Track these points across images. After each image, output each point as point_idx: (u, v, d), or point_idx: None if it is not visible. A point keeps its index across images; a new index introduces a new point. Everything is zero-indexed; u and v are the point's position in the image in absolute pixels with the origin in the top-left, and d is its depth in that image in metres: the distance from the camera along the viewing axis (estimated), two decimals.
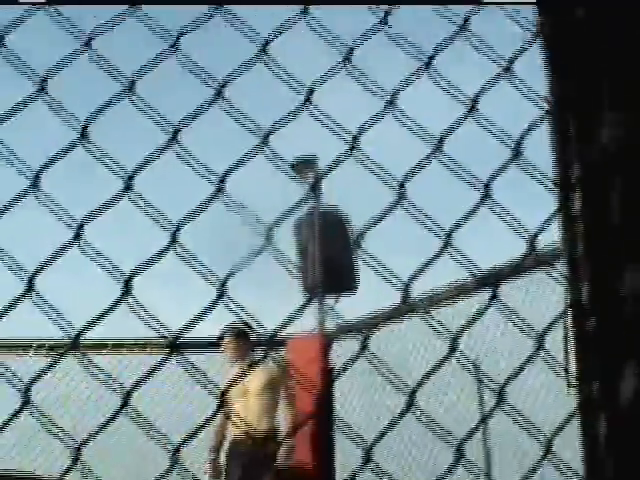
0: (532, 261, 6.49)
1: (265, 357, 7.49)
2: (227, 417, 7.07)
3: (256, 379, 7.08)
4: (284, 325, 1.59)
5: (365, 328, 7.61)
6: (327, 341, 8.33)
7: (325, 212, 9.12)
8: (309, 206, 9.14)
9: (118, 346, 8.93)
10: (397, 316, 7.74)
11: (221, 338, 7.24)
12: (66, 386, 9.10)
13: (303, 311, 1.61)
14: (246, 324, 7.12)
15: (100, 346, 8.67)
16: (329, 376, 7.57)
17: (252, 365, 7.14)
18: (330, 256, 8.53)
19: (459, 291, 7.36)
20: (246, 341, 7.14)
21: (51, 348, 8.62)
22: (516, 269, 6.61)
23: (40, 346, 8.63)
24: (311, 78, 1.81)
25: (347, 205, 8.76)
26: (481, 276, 1.67)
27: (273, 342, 7.57)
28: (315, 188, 9.09)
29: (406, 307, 7.51)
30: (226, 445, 7.21)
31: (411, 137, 1.87)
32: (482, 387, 8.04)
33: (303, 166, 8.61)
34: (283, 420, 7.10)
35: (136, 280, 1.57)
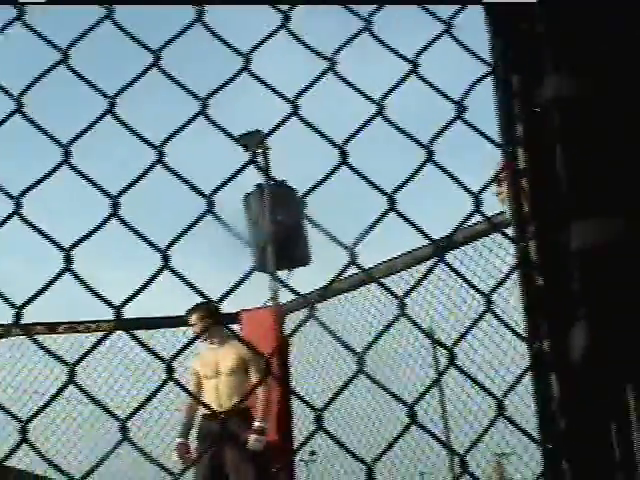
0: (484, 226, 6.52)
1: (232, 335, 7.43)
2: (195, 397, 7.07)
3: (227, 357, 7.06)
4: (227, 294, 1.57)
5: (318, 301, 7.62)
6: (281, 314, 8.34)
7: (274, 185, 9.13)
8: (258, 180, 9.15)
9: (71, 328, 8.85)
10: (350, 287, 7.75)
11: (189, 316, 7.20)
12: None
13: (246, 280, 1.59)
14: (213, 302, 7.07)
15: (52, 328, 8.59)
16: (284, 348, 7.59)
17: (220, 342, 7.12)
18: (281, 229, 8.54)
19: (412, 260, 7.38)
20: (214, 319, 7.10)
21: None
22: (467, 233, 6.63)
23: None
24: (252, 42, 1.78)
25: (296, 178, 8.76)
26: (432, 242, 1.66)
27: (227, 315, 7.58)
28: (263, 161, 9.09)
29: (359, 277, 7.53)
30: (196, 426, 7.20)
31: (352, 101, 1.86)
32: (437, 355, 8.12)
33: (250, 139, 8.59)
34: (255, 397, 7.06)
35: (80, 255, 1.54)
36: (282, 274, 8.83)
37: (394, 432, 7.78)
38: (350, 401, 7.86)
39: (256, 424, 6.85)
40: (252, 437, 6.86)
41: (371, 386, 7.86)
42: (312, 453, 9.89)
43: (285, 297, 8.62)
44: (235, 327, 8.36)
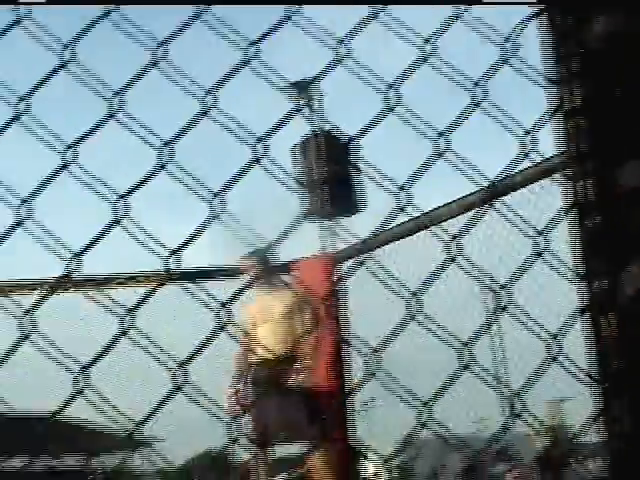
0: (532, 171, 6.44)
1: (285, 283, 7.44)
2: (248, 349, 7.12)
3: (279, 304, 7.10)
4: (278, 240, 1.57)
5: (371, 249, 7.59)
6: (334, 262, 8.33)
7: (324, 134, 9.08)
8: (309, 129, 9.11)
9: (127, 281, 8.91)
10: (402, 234, 7.71)
11: (242, 263, 7.22)
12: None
13: (297, 228, 1.59)
14: (266, 250, 7.12)
15: (107, 281, 8.66)
16: (337, 296, 7.58)
17: (273, 290, 7.15)
18: (332, 177, 8.50)
19: (459, 208, 7.30)
20: (267, 267, 7.13)
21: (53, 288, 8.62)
22: (518, 178, 6.55)
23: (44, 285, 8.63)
24: None
25: (348, 127, 8.69)
26: (481, 188, 1.64)
27: (280, 263, 7.59)
28: (312, 109, 9.04)
29: (411, 225, 7.49)
30: (251, 371, 7.24)
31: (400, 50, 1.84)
32: (487, 297, 8.07)
33: (300, 88, 8.54)
34: (305, 343, 7.10)
35: (132, 204, 1.55)
36: (334, 222, 8.81)
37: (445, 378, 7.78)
38: (405, 345, 7.86)
39: (301, 364, 6.90)
40: (295, 376, 6.91)
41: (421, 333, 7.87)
42: (371, 400, 9.94)
43: (337, 245, 8.61)
44: (288, 275, 8.38)
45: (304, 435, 6.90)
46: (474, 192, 6.92)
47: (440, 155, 1.58)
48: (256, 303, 7.13)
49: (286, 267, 8.16)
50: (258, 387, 7.10)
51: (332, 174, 8.60)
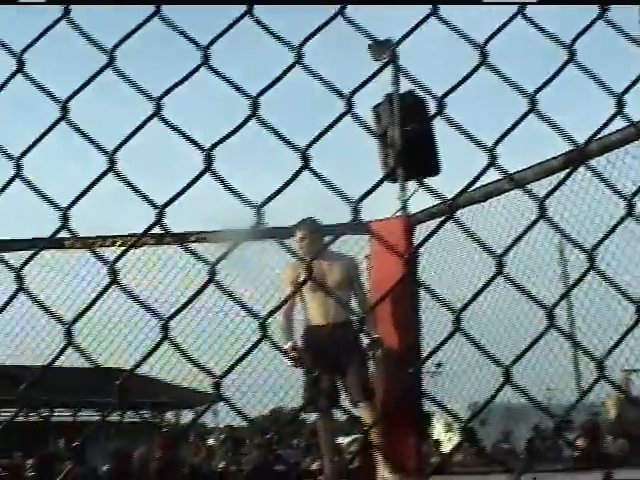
0: (618, 136, 6.34)
1: (337, 252, 7.48)
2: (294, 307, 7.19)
3: (333, 272, 7.14)
4: (361, 200, 1.56)
5: (448, 211, 7.54)
6: (410, 224, 8.31)
7: (404, 95, 9.02)
8: (388, 90, 9.06)
9: (201, 238, 8.98)
10: (482, 197, 7.66)
11: (296, 230, 7.26)
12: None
13: (375, 190, 1.58)
14: (316, 220, 7.20)
15: (183, 238, 8.74)
16: (413, 259, 7.57)
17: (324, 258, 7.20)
18: (411, 139, 8.46)
19: (543, 172, 7.22)
20: (319, 234, 7.17)
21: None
22: (601, 144, 6.44)
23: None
24: None
25: (426, 89, 8.61)
26: (572, 149, 1.61)
27: (358, 225, 7.60)
28: (392, 70, 8.98)
29: (492, 187, 7.44)
30: (301, 331, 7.31)
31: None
32: (567, 270, 8.01)
33: (380, 47, 8.49)
34: (359, 310, 7.20)
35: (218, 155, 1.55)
36: (412, 184, 8.78)
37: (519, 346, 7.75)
38: (483, 308, 7.85)
39: (371, 337, 6.95)
40: (371, 348, 6.98)
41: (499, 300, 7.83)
42: (438, 365, 9.93)
43: (414, 208, 8.59)
44: (365, 238, 8.39)
45: (364, 398, 6.93)
46: (562, 154, 6.85)
47: (532, 110, 1.56)
48: (300, 267, 7.17)
49: (363, 229, 8.17)
50: (312, 349, 7.16)
51: (412, 135, 8.55)
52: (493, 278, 1.49)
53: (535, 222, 1.57)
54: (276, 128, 1.50)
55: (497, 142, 1.55)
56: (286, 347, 7.12)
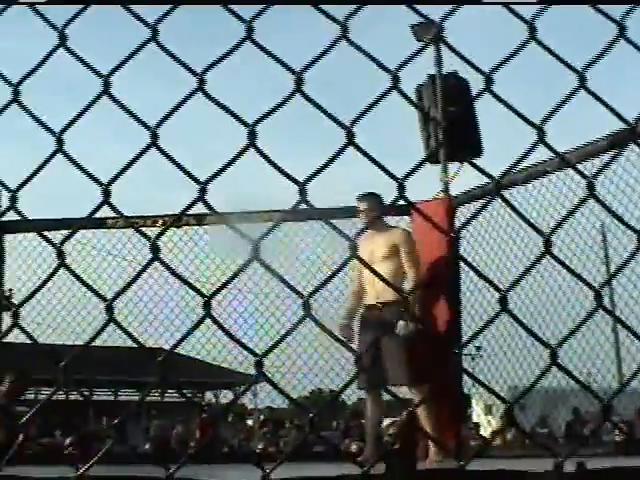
0: None
1: (390, 226, 7.44)
2: (359, 288, 7.17)
3: (381, 245, 7.11)
4: (406, 177, 1.54)
5: (491, 193, 7.48)
6: (452, 206, 8.27)
7: (447, 76, 8.97)
8: (430, 71, 9.02)
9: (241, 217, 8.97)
10: (523, 179, 7.60)
11: (359, 203, 7.24)
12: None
13: (417, 171, 1.56)
14: (377, 194, 7.16)
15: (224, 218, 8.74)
16: (455, 240, 7.53)
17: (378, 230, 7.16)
18: (453, 120, 8.41)
19: (585, 155, 7.15)
20: (377, 207, 7.14)
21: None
22: None
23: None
24: None
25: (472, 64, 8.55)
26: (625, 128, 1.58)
27: (399, 206, 7.56)
28: (435, 51, 8.93)
29: (537, 168, 7.37)
30: (359, 311, 7.31)
31: None
32: (609, 252, 7.94)
33: (423, 28, 8.44)
34: (407, 283, 7.13)
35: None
36: (454, 166, 8.73)
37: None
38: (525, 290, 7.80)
39: (409, 313, 6.93)
40: (401, 323, 6.91)
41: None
42: (478, 348, 9.89)
43: (455, 191, 8.55)
44: (406, 219, 8.36)
45: (406, 380, 6.90)
46: (607, 135, 6.79)
47: (581, 86, 1.52)
48: (363, 246, 7.14)
49: (404, 210, 8.14)
50: (363, 328, 7.16)
51: (454, 116, 8.50)
52: (541, 257, 1.47)
53: (584, 200, 1.54)
54: (320, 105, 1.48)
55: (546, 119, 1.52)
56: (340, 323, 7.17)
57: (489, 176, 1.58)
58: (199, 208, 1.50)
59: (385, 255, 7.06)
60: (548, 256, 1.46)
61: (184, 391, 30.63)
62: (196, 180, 1.44)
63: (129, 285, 1.61)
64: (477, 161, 8.61)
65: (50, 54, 1.64)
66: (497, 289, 1.43)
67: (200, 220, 8.78)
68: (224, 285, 1.51)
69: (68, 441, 19.19)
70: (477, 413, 19.93)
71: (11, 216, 1.62)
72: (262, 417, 26.87)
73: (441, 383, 7.06)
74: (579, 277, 1.54)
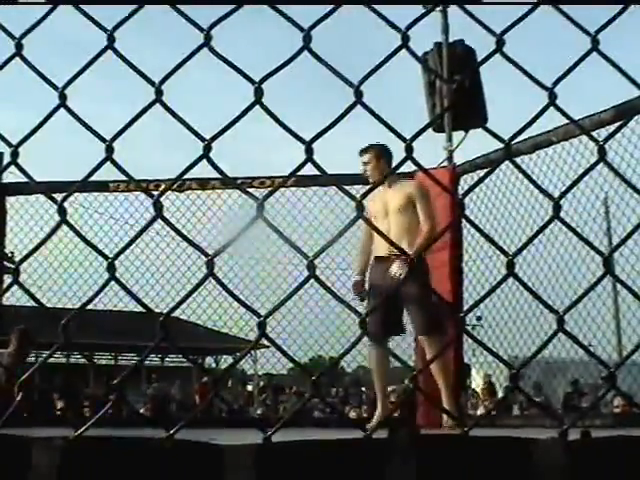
0: None
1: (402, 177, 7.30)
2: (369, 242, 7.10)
3: (395, 197, 7.00)
4: (414, 138, 1.52)
5: (495, 163, 7.47)
6: (455, 175, 8.25)
7: (452, 44, 8.93)
8: (436, 39, 8.98)
9: (245, 183, 8.96)
10: (529, 149, 7.56)
11: (362, 154, 7.15)
12: None
13: (428, 128, 1.54)
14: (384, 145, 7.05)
15: (226, 183, 8.72)
16: (458, 208, 7.51)
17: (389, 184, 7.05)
18: (458, 89, 8.36)
19: (593, 125, 7.10)
20: (385, 160, 7.05)
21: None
22: None
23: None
24: None
25: (474, 37, 8.52)
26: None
27: (403, 173, 7.53)
28: (442, 18, 8.88)
29: (542, 137, 7.34)
30: (370, 266, 7.22)
31: None
32: (611, 224, 7.94)
33: None
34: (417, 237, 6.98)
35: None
36: (458, 134, 8.71)
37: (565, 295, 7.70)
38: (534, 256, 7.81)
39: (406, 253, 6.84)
40: (395, 264, 6.83)
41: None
42: (479, 318, 9.89)
43: (460, 158, 8.53)
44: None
45: (426, 331, 6.81)
46: (613, 106, 6.74)
47: (594, 49, 1.50)
48: (376, 199, 7.08)
49: (408, 178, 8.12)
50: (375, 280, 7.09)
51: (460, 84, 8.46)
52: (549, 222, 1.45)
53: (595, 164, 1.51)
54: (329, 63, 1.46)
55: (557, 81, 1.49)
56: (353, 279, 7.13)
57: (500, 139, 1.55)
58: (202, 172, 1.49)
59: (399, 207, 6.94)
60: (557, 221, 1.44)
61: (185, 356, 30.74)
62: (201, 137, 1.42)
63: (131, 243, 1.60)
64: (479, 131, 8.59)
65: (52, 11, 1.62)
66: (504, 253, 1.41)
67: (203, 185, 8.77)
68: (227, 245, 1.49)
69: (60, 404, 19.26)
70: (477, 383, 19.96)
71: (12, 178, 1.60)
72: (262, 383, 26.99)
73: (442, 350, 7.04)
74: (587, 242, 1.52)
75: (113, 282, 1.50)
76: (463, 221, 7.81)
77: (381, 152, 7.02)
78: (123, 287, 1.50)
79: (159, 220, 1.47)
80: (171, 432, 1.47)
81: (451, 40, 8.97)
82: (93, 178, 1.65)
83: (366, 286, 7.12)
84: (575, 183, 1.62)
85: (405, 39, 1.46)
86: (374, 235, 6.99)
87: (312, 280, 1.49)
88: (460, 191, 8.28)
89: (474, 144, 8.67)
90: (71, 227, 1.52)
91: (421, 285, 6.51)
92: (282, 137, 1.49)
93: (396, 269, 6.78)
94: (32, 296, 1.65)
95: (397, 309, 6.86)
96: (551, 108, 1.52)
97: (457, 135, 8.74)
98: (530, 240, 1.53)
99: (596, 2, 1.72)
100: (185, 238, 1.54)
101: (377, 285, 7.01)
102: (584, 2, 1.75)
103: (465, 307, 7.98)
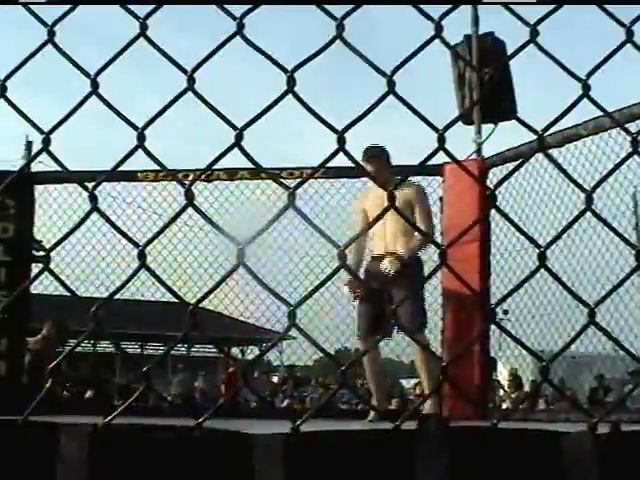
0: None
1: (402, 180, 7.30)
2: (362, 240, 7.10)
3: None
4: (446, 128, 1.51)
5: (524, 155, 7.43)
6: (485, 167, 8.21)
7: (482, 38, 8.88)
8: (466, 32, 8.94)
9: (274, 174, 8.95)
10: (558, 143, 7.51)
11: (364, 156, 7.13)
12: None
13: (459, 120, 1.53)
14: (382, 147, 7.07)
15: (256, 174, 8.72)
16: (487, 201, 7.48)
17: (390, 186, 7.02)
18: (487, 82, 8.33)
19: (625, 118, 7.05)
20: (387, 162, 7.06)
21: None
22: None
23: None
24: None
25: (504, 30, 8.48)
26: None
27: (431, 167, 7.52)
28: (472, 11, 8.84)
29: (572, 131, 7.29)
30: (365, 264, 7.25)
31: None
32: None
33: None
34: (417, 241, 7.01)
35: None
36: (487, 127, 8.67)
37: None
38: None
39: (400, 252, 6.89)
40: (387, 259, 6.87)
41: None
42: (505, 312, 9.84)
43: (489, 151, 8.49)
44: (438, 179, 8.33)
45: (414, 328, 6.80)
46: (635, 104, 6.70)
47: (628, 41, 1.48)
48: (370, 195, 7.10)
49: (436, 171, 8.11)
50: (369, 279, 7.11)
51: (489, 77, 8.43)
52: (582, 214, 1.44)
53: (629, 156, 1.50)
54: (360, 51, 1.45)
55: (591, 73, 1.48)
56: (345, 281, 7.11)
57: (534, 131, 1.55)
58: (231, 162, 1.48)
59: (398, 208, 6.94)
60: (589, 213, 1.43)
61: (210, 346, 30.79)
62: (233, 126, 1.42)
63: (162, 230, 1.60)
64: (509, 124, 8.56)
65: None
66: (537, 245, 1.41)
67: (231, 175, 8.76)
68: (259, 233, 1.49)
69: (89, 393, 19.39)
70: (504, 377, 19.91)
71: (41, 167, 1.61)
72: (285, 375, 27.01)
73: (468, 345, 7.02)
74: (618, 234, 1.51)
75: (142, 271, 1.50)
76: (491, 214, 7.81)
77: (383, 157, 7.05)
78: (153, 274, 1.51)
79: (187, 211, 1.48)
80: (200, 420, 1.47)
81: (481, 32, 8.93)
82: (121, 168, 1.64)
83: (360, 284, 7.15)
84: (608, 175, 1.61)
85: (438, 29, 1.45)
86: (370, 234, 7.05)
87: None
88: (489, 184, 8.24)
89: (497, 138, 8.65)
90: (102, 214, 1.53)
91: (412, 283, 6.59)
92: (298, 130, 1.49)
93: (387, 264, 6.84)
94: (63, 283, 1.65)
95: (387, 306, 6.88)
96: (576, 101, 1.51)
97: (485, 128, 8.71)
98: (562, 232, 1.53)
99: (587, 2, 1.69)
100: (216, 226, 1.54)
101: (371, 282, 7.06)
102: (580, 3, 1.73)
103: (492, 300, 7.95)
